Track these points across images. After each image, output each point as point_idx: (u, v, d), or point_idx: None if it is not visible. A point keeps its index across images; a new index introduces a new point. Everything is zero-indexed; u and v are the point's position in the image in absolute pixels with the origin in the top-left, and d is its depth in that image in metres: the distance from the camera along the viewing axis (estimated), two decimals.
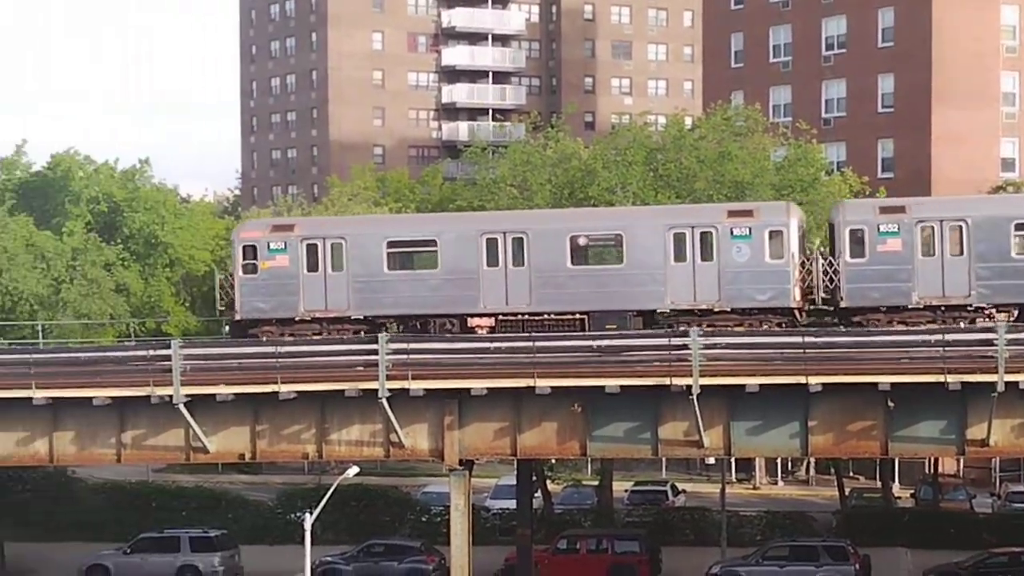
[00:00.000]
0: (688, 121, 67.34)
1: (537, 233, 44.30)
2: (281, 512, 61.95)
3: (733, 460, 64.43)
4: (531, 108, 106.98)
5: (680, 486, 69.97)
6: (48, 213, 72.43)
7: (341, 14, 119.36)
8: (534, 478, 55.31)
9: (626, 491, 66.87)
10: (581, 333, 42.76)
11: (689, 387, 39.16)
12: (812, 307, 43.93)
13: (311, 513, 37.84)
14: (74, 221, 69.91)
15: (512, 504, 54.81)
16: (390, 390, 40.29)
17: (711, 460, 66.36)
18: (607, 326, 43.16)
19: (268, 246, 44.98)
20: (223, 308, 46.57)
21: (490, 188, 62.81)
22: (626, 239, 43.81)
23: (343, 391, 40.92)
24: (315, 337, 44.21)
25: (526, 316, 44.06)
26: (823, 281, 42.72)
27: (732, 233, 42.79)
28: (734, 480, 71.14)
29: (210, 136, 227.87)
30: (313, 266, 44.65)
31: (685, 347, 39.50)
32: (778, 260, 42.57)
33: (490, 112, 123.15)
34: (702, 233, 43.04)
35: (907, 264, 42.20)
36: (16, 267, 59.99)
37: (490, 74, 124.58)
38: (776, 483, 76.43)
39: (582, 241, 44.47)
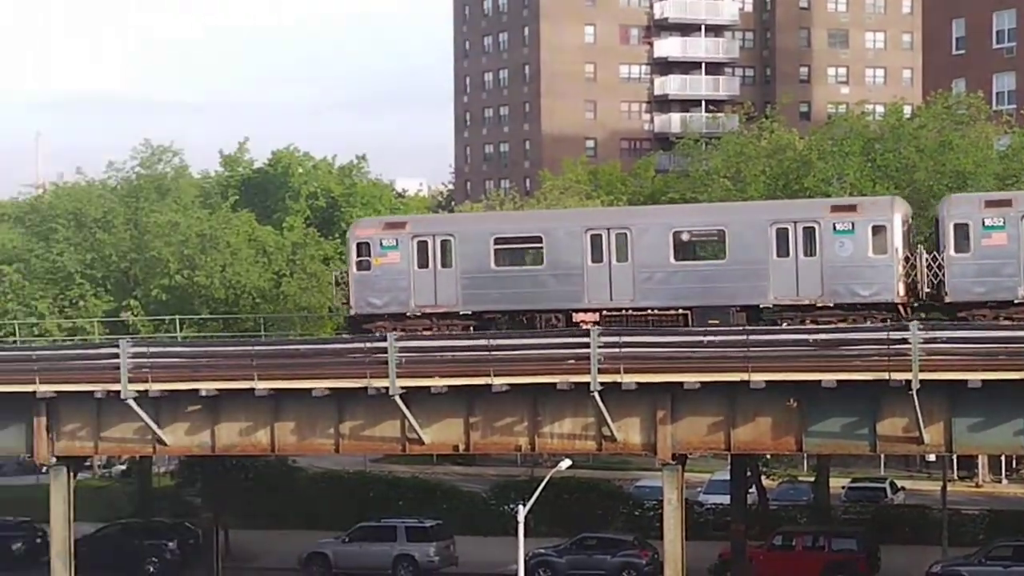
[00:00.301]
0: (907, 110, 65.68)
1: (640, 229, 44.60)
2: (495, 503, 62.47)
3: (954, 457, 62.75)
4: (745, 99, 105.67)
5: (899, 483, 68.43)
6: (269, 208, 74.25)
7: (553, 8, 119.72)
8: (749, 473, 54.67)
9: (843, 488, 65.68)
10: (797, 327, 42.09)
11: (909, 382, 38.23)
12: (918, 302, 43.02)
13: (524, 505, 38.01)
14: (294, 216, 71.51)
15: (726, 499, 54.31)
16: (602, 383, 40.23)
17: (931, 457, 64.77)
18: (710, 321, 43.08)
19: (381, 243, 45.93)
20: (339, 304, 47.37)
21: (703, 180, 62.20)
22: (729, 234, 43.79)
23: (555, 384, 40.99)
24: (525, 331, 44.42)
25: (630, 311, 44.27)
26: (928, 276, 42.02)
27: (835, 228, 42.56)
28: (955, 478, 69.30)
29: (427, 131, 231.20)
30: (423, 263, 45.46)
31: (905, 341, 38.56)
32: (881, 255, 42.19)
33: (703, 103, 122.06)
34: (805, 228, 42.92)
35: (1012, 258, 41.25)
36: (239, 261, 61.47)
37: (703, 65, 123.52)
38: (1000, 481, 74.14)
39: (685, 237, 44.54)
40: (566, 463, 39.23)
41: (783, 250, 42.96)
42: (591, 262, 44.47)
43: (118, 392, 42.88)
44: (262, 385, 42.32)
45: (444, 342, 43.30)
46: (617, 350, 40.56)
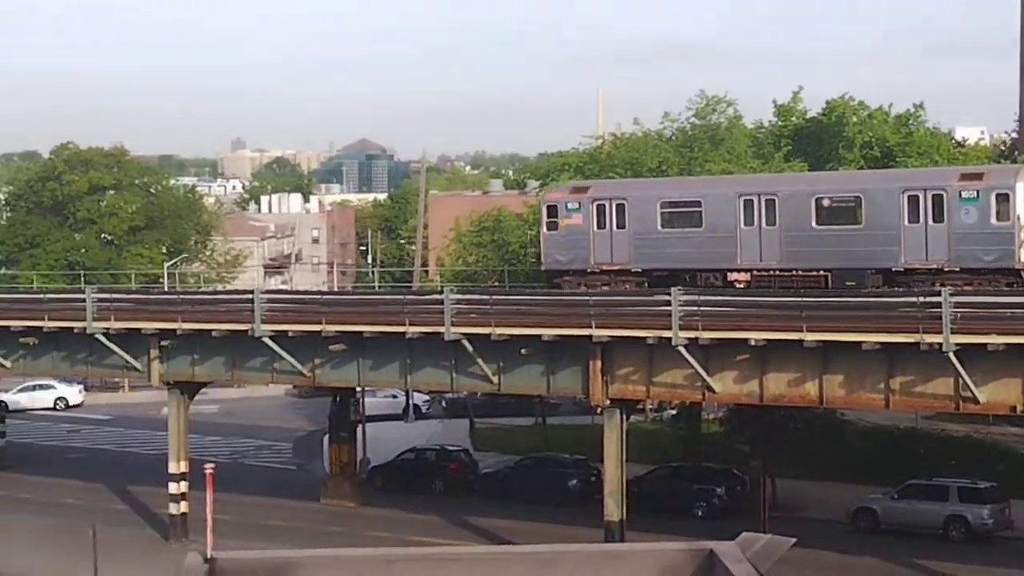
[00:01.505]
0: None
1: (786, 195, 47.19)
2: None
3: None
4: None
5: None
6: (822, 158, 73.55)
7: None
8: None
9: None
10: None
11: None
12: None
13: None
14: (847, 166, 70.50)
15: None
16: None
17: None
18: (847, 283, 45.07)
19: (566, 206, 50.75)
20: (533, 260, 51.87)
21: None
22: (864, 201, 45.88)
23: None
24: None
25: (776, 272, 47.01)
26: None
27: (961, 196, 43.94)
28: None
29: (991, 79, 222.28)
30: (601, 224, 49.96)
31: None
32: (1004, 222, 43.28)
33: None
34: (934, 195, 44.41)
35: None
36: None
37: None
38: None
39: (826, 202, 46.82)
40: None
41: (914, 216, 44.67)
42: (743, 225, 47.45)
43: (669, 338, 43.83)
44: (811, 337, 42.00)
45: (1002, 298, 41.52)
46: None
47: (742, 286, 47.44)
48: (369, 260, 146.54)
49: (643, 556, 16.57)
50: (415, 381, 52.49)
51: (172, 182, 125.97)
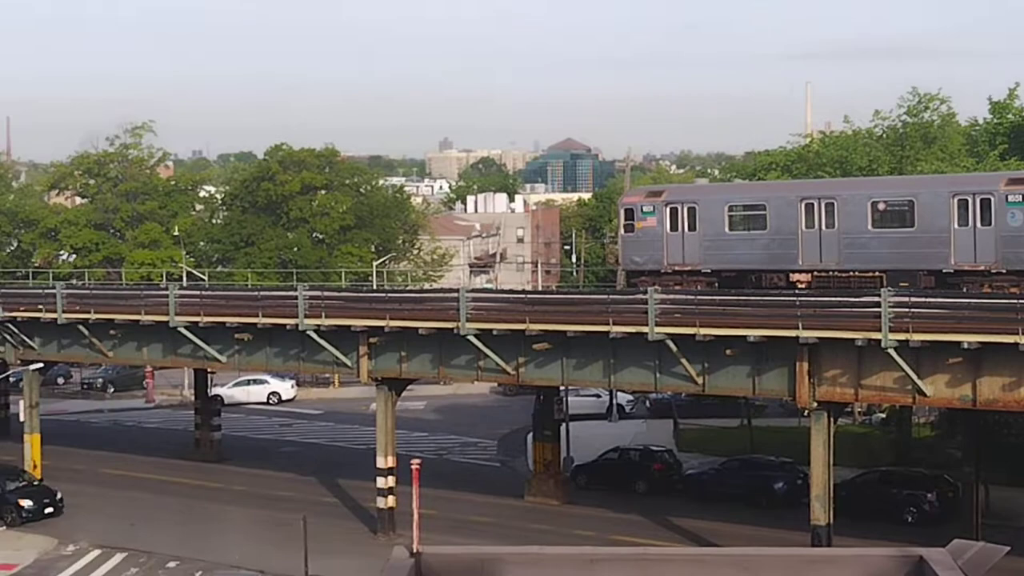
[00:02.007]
0: None
1: (845, 199, 48.52)
2: None
3: None
4: None
5: None
6: None
7: None
8: None
9: None
10: None
11: None
12: None
13: None
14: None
15: None
16: None
17: None
18: (900, 284, 45.84)
19: (642, 209, 52.52)
20: (612, 262, 51.84)
21: None
22: (917, 205, 46.96)
23: None
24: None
25: (835, 272, 48.32)
26: None
27: (1007, 199, 44.67)
28: None
29: None
30: (674, 226, 51.84)
31: None
32: None
33: None
34: (982, 199, 45.29)
35: None
36: None
37: None
38: None
39: (881, 206, 47.83)
40: None
41: (963, 219, 45.73)
42: (805, 228, 48.90)
43: (879, 340, 42.98)
44: None
45: None
46: None
47: (803, 287, 48.57)
48: (573, 259, 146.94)
49: (849, 561, 16.26)
50: (619, 381, 52.45)
51: (381, 182, 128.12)
